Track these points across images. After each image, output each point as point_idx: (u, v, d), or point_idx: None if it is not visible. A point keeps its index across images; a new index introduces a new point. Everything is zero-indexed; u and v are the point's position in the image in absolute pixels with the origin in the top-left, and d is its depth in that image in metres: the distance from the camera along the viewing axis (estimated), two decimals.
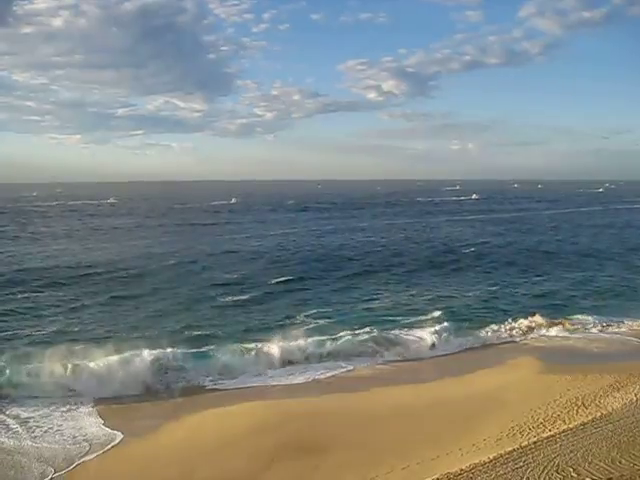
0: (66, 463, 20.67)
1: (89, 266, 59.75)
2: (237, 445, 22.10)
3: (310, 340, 32.88)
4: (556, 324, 37.20)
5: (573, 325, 37.38)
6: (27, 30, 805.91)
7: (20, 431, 22.80)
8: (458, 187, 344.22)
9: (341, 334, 34.30)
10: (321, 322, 38.47)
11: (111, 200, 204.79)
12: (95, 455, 21.43)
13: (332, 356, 32.05)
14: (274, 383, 29.25)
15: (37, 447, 21.71)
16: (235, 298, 46.18)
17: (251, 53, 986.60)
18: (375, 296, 46.71)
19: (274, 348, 31.42)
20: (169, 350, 30.67)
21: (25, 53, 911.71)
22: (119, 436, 22.93)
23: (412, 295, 46.71)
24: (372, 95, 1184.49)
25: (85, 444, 22.05)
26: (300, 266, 61.40)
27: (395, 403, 26.07)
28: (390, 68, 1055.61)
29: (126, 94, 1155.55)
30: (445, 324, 36.41)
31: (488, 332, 35.98)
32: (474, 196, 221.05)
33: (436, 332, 34.71)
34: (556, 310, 41.58)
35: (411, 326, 36.78)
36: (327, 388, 28.71)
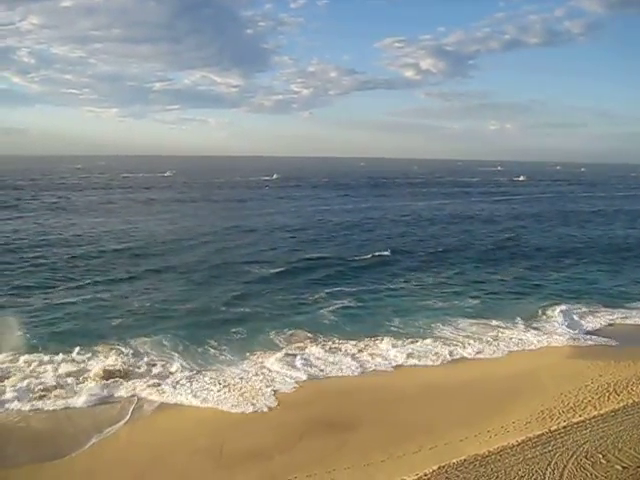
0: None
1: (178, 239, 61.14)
2: (266, 420, 22.59)
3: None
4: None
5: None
6: (67, 4, 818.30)
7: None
8: (500, 168, 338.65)
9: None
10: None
11: (167, 174, 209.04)
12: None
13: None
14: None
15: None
16: (325, 273, 47.22)
17: (289, 29, 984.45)
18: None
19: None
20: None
21: (64, 26, 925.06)
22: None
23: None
24: (409, 73, 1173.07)
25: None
26: (381, 243, 61.35)
27: (425, 382, 26.22)
28: (428, 46, 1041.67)
29: (163, 68, 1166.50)
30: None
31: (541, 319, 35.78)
32: (521, 177, 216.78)
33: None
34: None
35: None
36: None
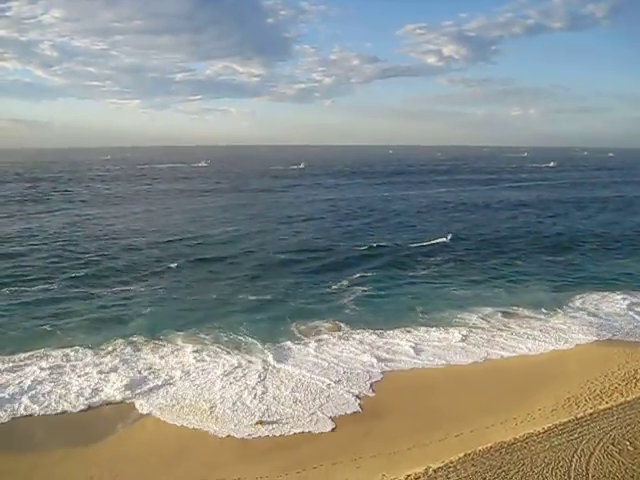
0: None
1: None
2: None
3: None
4: None
5: None
6: None
7: None
8: (526, 154, 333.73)
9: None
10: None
11: (203, 163, 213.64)
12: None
13: None
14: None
15: None
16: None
17: (310, 17, 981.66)
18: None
19: None
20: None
21: (86, 19, 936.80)
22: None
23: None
24: (432, 60, 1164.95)
25: None
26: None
27: (450, 370, 26.30)
28: (450, 32, 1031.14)
29: (185, 59, 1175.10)
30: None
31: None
32: (551, 164, 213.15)
33: None
34: None
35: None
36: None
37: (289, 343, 29.30)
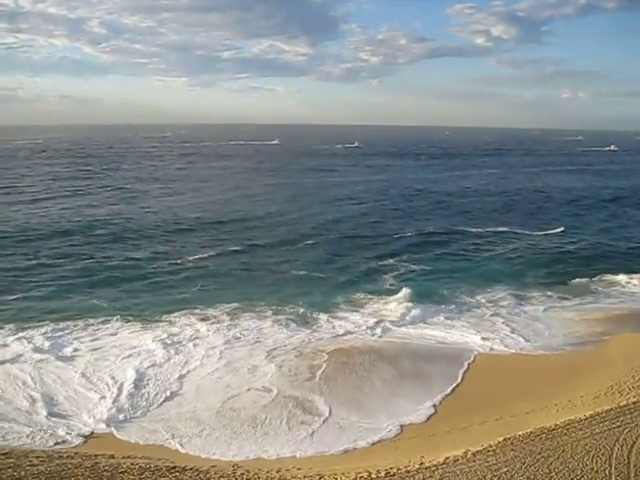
0: None
1: None
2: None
3: None
4: None
5: None
6: None
7: None
8: (580, 138, 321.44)
9: None
10: None
11: (276, 141, 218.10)
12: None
13: None
14: None
15: None
16: None
17: None
18: None
19: None
20: None
21: None
22: None
23: None
24: (480, 40, 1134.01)
25: None
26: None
27: (490, 354, 26.21)
28: (499, 12, 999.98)
29: (231, 37, 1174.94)
30: None
31: None
32: (612, 147, 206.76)
33: None
34: None
35: None
36: None
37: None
